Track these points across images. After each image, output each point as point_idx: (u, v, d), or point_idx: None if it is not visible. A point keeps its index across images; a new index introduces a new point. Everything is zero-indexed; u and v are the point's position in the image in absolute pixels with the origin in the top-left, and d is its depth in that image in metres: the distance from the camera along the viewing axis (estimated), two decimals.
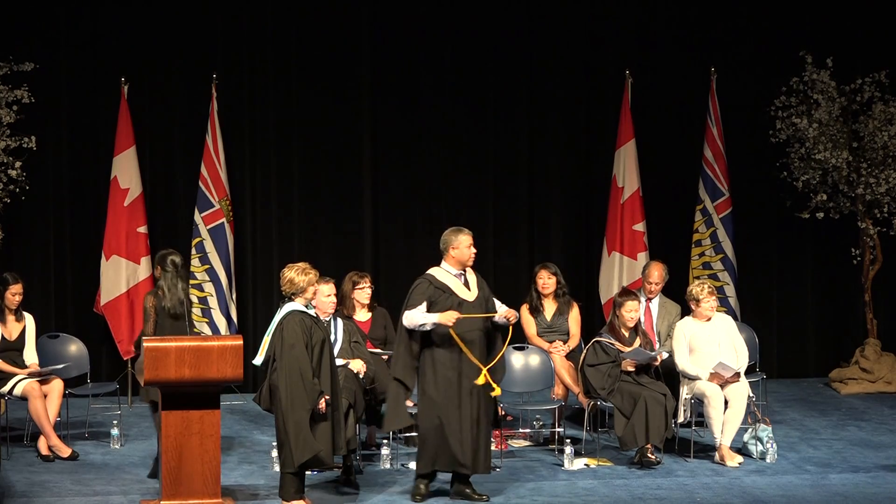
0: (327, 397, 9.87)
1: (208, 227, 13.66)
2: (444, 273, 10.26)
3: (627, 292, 11.84)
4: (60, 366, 11.86)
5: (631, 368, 11.38)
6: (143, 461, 11.36)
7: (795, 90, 14.02)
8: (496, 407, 10.52)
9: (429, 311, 10.14)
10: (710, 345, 11.49)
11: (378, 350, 11.85)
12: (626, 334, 11.56)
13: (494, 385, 10.24)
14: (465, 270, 10.31)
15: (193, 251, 13.67)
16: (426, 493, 10.27)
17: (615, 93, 14.26)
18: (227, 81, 13.97)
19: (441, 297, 10.17)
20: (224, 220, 13.70)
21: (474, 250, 10.34)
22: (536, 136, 14.54)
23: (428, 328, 10.14)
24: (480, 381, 10.12)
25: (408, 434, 11.87)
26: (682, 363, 11.49)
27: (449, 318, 10.07)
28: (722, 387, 11.37)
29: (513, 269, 14.45)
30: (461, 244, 10.26)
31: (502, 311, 10.36)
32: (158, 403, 10.76)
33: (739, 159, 14.36)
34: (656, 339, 12.08)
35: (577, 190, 14.59)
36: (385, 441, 11.46)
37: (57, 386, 11.64)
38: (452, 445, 10.13)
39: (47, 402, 11.49)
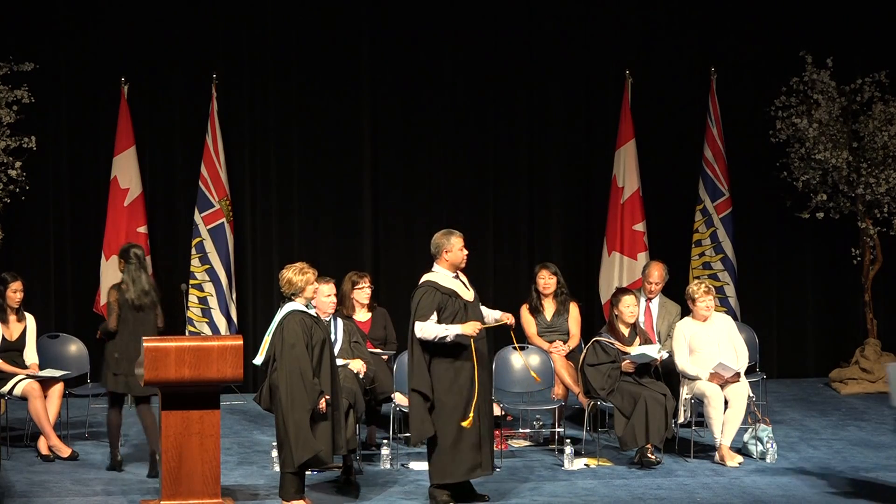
0: (327, 397, 9.87)
1: (208, 227, 13.66)
2: (444, 277, 10.19)
3: (623, 290, 11.85)
4: (59, 373, 11.79)
5: (630, 370, 11.38)
6: (143, 461, 11.36)
7: (795, 90, 14.02)
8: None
9: (438, 317, 10.06)
10: (709, 345, 11.49)
11: (378, 350, 11.85)
12: (626, 333, 11.56)
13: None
14: (457, 272, 10.27)
15: (193, 251, 13.67)
16: (450, 500, 10.16)
17: (615, 93, 14.26)
18: (227, 81, 13.96)
19: (449, 303, 10.08)
20: (224, 220, 13.70)
21: (466, 251, 10.30)
22: (536, 136, 14.53)
23: (449, 340, 10.00)
24: (467, 424, 10.01)
25: (408, 434, 11.87)
26: (682, 363, 11.49)
27: (473, 328, 9.97)
28: (722, 387, 11.37)
29: (513, 269, 14.45)
30: (454, 247, 10.19)
31: (496, 316, 10.33)
32: (125, 399, 10.96)
33: (739, 159, 14.35)
34: (656, 339, 12.07)
35: (577, 190, 14.59)
36: (385, 441, 11.45)
37: (57, 386, 11.63)
38: (472, 451, 10.03)
39: (47, 403, 11.48)
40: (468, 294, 10.21)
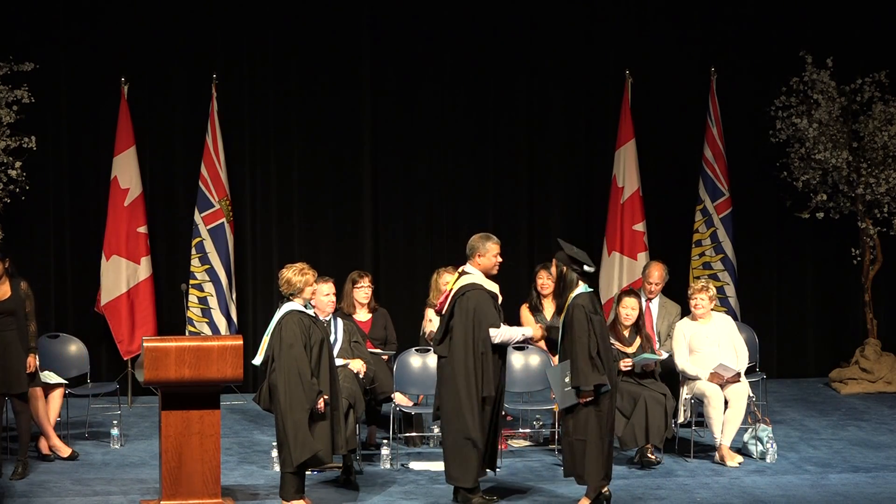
0: (326, 397, 9.87)
1: (208, 227, 13.66)
2: (483, 279, 10.02)
3: (630, 291, 11.83)
4: (54, 380, 11.72)
5: (629, 367, 11.37)
6: (143, 461, 11.37)
7: (795, 90, 14.03)
8: None
9: None
10: (709, 345, 11.49)
11: (378, 350, 11.84)
12: (627, 334, 11.55)
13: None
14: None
15: (193, 251, 13.67)
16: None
17: (615, 93, 14.27)
18: (227, 81, 13.97)
19: (496, 307, 10.01)
20: (224, 220, 13.70)
21: (500, 259, 10.15)
22: (536, 137, 14.54)
23: (518, 342, 10.06)
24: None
25: (408, 434, 11.87)
26: (682, 363, 11.49)
27: (538, 332, 9.97)
28: (722, 387, 11.37)
29: (513, 269, 14.43)
30: (488, 252, 10.03)
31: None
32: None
33: (739, 159, 14.36)
34: (656, 339, 12.07)
35: (577, 190, 14.59)
36: (385, 441, 11.46)
37: (57, 386, 11.63)
38: (480, 454, 10.04)
39: (48, 403, 11.48)
40: (499, 298, 10.16)
